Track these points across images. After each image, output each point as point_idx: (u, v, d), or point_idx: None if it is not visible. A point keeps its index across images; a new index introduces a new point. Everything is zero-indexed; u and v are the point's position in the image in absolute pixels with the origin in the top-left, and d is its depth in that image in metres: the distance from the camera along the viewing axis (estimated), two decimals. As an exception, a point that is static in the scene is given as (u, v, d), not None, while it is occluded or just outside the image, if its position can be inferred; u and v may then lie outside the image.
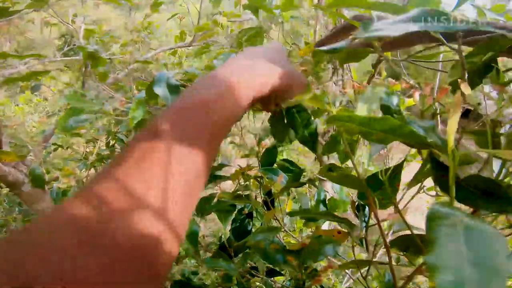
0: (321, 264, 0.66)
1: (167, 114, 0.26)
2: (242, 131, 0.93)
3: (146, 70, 2.01)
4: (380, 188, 0.34)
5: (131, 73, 1.61)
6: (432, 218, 0.18)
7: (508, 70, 0.38)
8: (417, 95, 0.30)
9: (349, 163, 0.68)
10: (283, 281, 0.64)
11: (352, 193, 0.73)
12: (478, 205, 0.24)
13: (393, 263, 0.50)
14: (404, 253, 0.45)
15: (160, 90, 0.51)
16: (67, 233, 0.18)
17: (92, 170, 1.36)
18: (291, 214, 0.54)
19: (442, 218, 0.17)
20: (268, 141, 0.80)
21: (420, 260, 0.47)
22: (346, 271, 0.90)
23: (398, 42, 0.39)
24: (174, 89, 0.52)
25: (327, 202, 0.69)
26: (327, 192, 0.72)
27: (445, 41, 0.31)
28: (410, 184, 0.30)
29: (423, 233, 0.39)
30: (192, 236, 0.67)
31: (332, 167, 0.28)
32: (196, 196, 0.25)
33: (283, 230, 0.57)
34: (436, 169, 0.24)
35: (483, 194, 0.24)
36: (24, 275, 0.16)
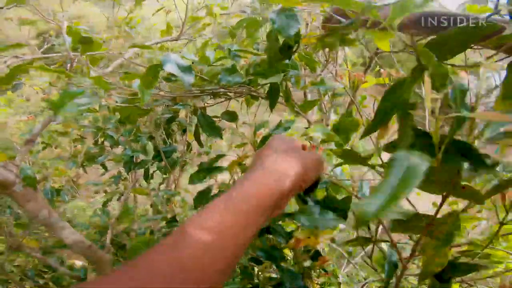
0: (325, 249, 0.67)
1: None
2: (237, 122, 0.93)
3: (131, 66, 1.98)
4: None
5: (117, 68, 1.57)
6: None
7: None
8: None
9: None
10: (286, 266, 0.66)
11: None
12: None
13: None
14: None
15: (173, 69, 0.56)
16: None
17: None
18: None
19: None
20: (263, 131, 0.80)
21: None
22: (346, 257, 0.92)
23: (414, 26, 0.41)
24: (186, 68, 0.58)
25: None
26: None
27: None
28: (387, 149, 0.32)
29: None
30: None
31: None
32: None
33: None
34: (417, 135, 0.28)
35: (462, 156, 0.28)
36: None
